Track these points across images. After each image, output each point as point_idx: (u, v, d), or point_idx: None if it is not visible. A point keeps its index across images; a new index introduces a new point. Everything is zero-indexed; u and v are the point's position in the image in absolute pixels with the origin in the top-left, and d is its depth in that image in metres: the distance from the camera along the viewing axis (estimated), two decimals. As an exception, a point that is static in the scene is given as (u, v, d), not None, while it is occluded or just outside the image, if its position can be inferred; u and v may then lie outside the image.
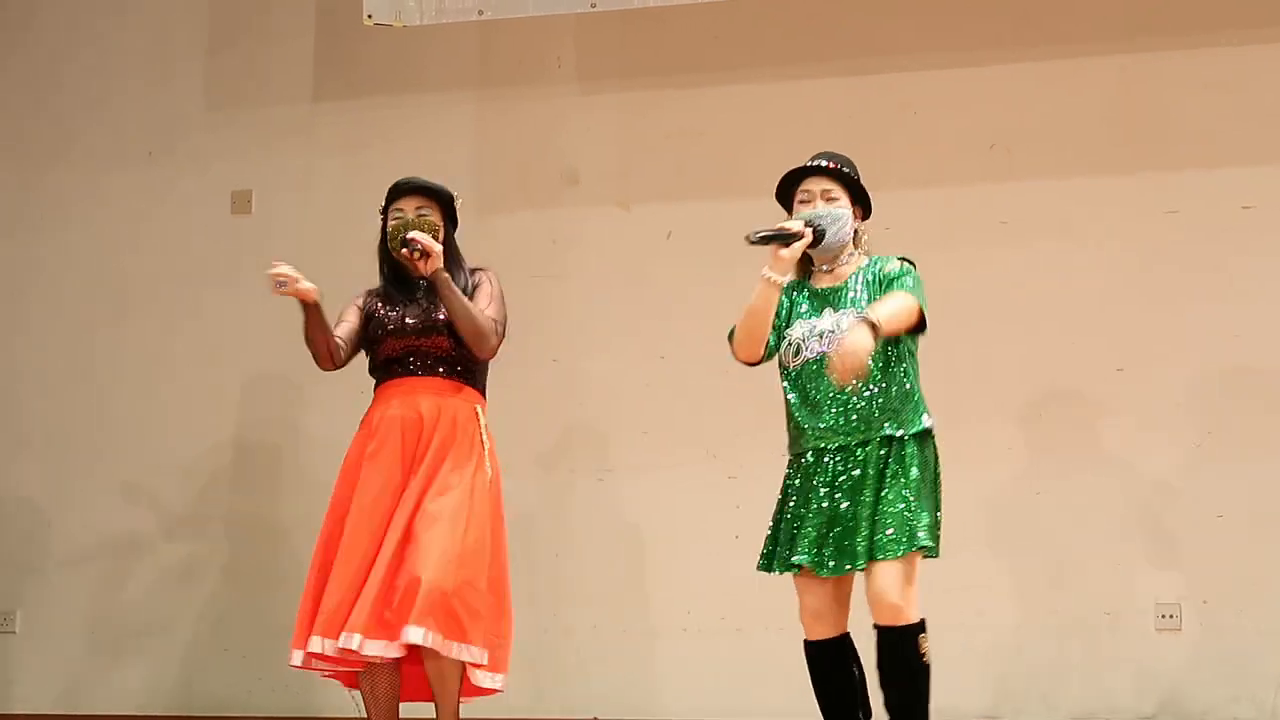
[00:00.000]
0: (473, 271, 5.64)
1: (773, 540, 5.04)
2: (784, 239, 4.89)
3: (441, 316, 5.51)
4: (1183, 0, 6.66)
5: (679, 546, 6.90)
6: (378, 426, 5.50)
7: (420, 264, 5.46)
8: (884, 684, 4.87)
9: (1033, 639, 6.50)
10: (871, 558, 4.80)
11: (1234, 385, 6.50)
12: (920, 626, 4.83)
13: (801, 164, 5.10)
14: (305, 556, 6.92)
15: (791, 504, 4.99)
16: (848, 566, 4.86)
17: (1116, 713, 6.49)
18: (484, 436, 5.55)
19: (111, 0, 7.74)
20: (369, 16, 6.89)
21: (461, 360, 5.56)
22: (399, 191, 5.63)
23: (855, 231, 5.07)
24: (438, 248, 5.46)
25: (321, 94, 7.46)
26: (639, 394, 7.02)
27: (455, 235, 5.67)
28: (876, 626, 4.84)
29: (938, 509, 4.94)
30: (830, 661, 4.97)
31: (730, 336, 5.08)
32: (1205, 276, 6.58)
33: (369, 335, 5.61)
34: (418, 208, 5.59)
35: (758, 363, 5.06)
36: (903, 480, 4.86)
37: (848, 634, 4.98)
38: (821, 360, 4.90)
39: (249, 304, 7.36)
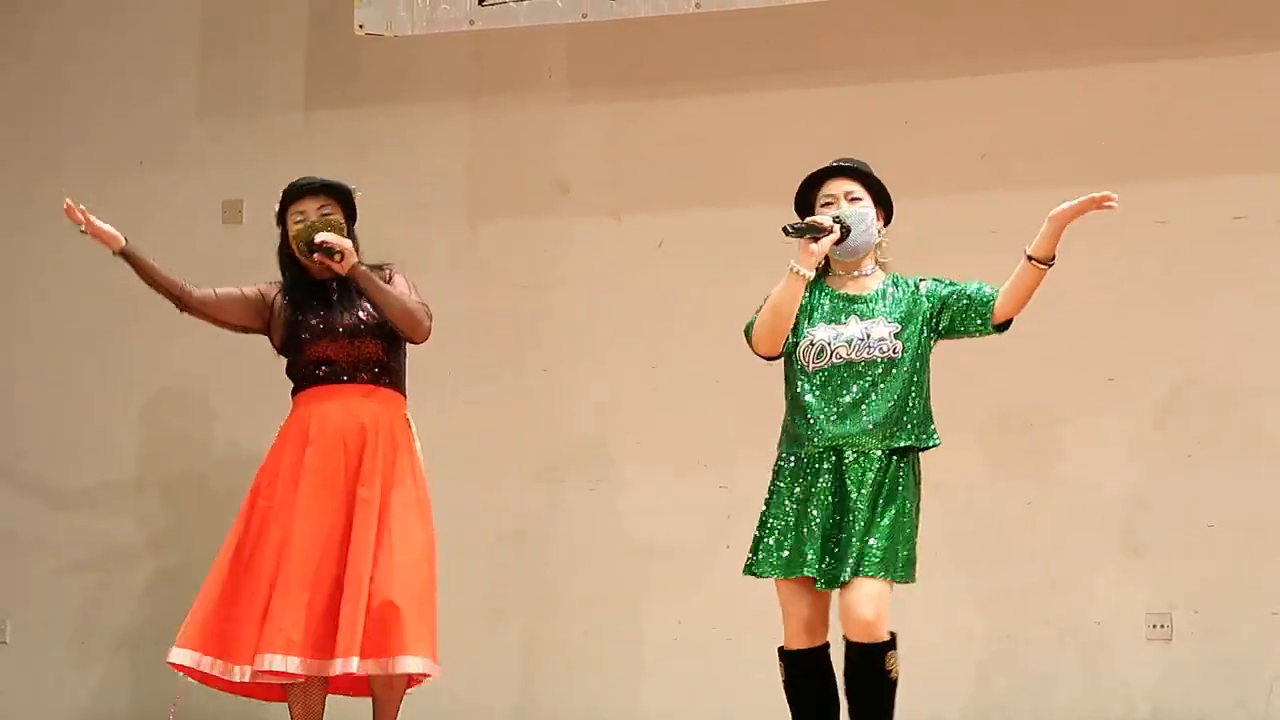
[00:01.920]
0: (378, 267, 5.64)
1: (765, 543, 5.00)
2: (815, 233, 4.93)
3: (365, 318, 5.51)
4: (1174, 11, 6.66)
5: (670, 556, 6.89)
6: (318, 436, 5.50)
7: (335, 265, 5.44)
8: (850, 697, 4.90)
9: (1023, 649, 6.50)
10: (856, 573, 4.82)
11: (1225, 395, 6.50)
12: (890, 644, 4.85)
13: (823, 166, 5.11)
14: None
15: (789, 506, 4.97)
16: (840, 580, 4.86)
17: (1107, 722, 6.51)
18: (416, 442, 5.61)
19: (105, 10, 7.74)
20: (360, 26, 6.89)
21: (389, 364, 5.59)
22: (298, 193, 5.64)
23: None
24: (349, 244, 5.46)
25: (314, 103, 7.46)
26: (630, 403, 7.02)
27: (355, 230, 5.67)
28: (847, 640, 4.86)
29: (916, 535, 4.97)
30: (814, 671, 4.96)
31: (748, 330, 5.09)
32: (1195, 286, 6.58)
33: (289, 338, 5.58)
34: (320, 207, 5.60)
35: (777, 356, 5.06)
36: (898, 501, 4.88)
37: (828, 644, 4.99)
38: (848, 366, 4.94)
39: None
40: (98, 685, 7.36)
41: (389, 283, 5.57)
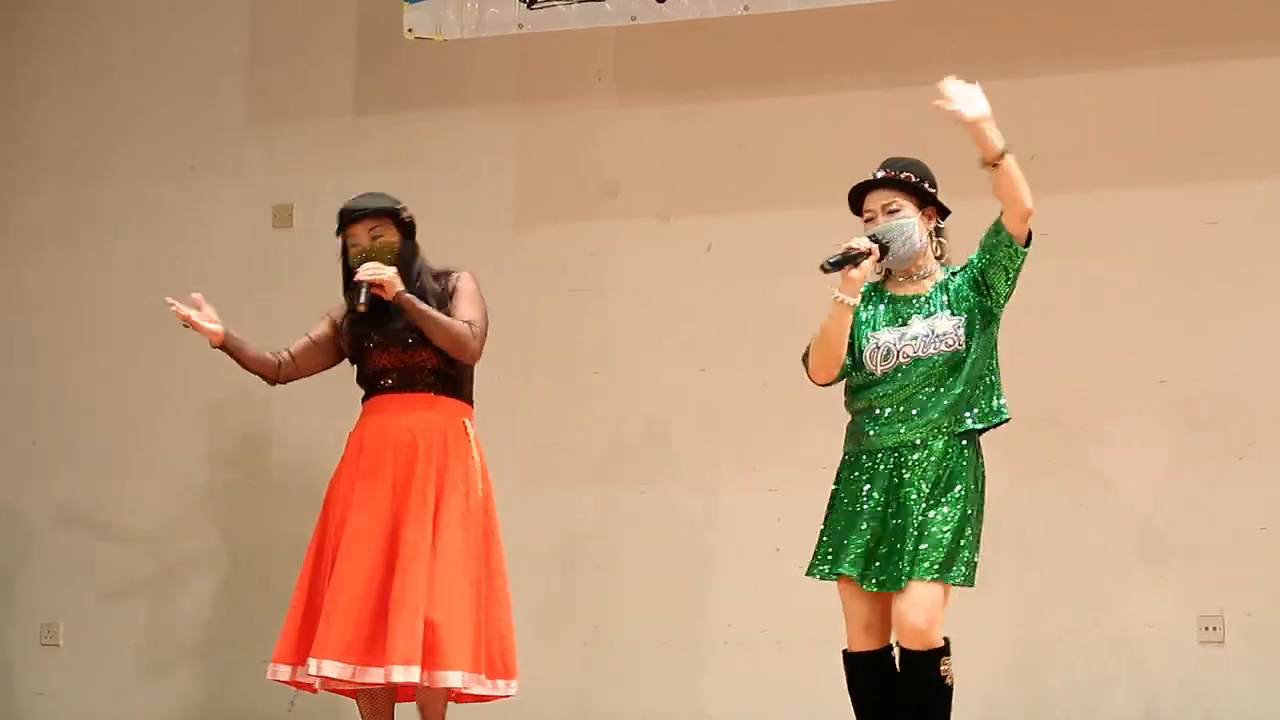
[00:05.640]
0: (445, 274, 5.63)
1: (824, 546, 4.99)
2: (852, 260, 4.88)
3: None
4: (1225, 10, 6.63)
5: (720, 559, 6.90)
6: (369, 446, 5.53)
7: (380, 295, 5.45)
8: (902, 704, 4.87)
9: (1075, 653, 6.47)
10: (910, 576, 4.80)
11: (1276, 397, 6.46)
12: (944, 649, 4.83)
13: (866, 175, 5.07)
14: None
15: (845, 506, 4.95)
16: (890, 588, 4.85)
17: (1159, 726, 6.48)
18: (475, 451, 5.57)
19: (153, 15, 7.78)
20: (410, 30, 6.92)
21: (447, 372, 5.57)
22: (347, 218, 5.62)
23: (934, 234, 5.08)
24: (387, 273, 5.44)
25: (363, 108, 7.49)
26: (679, 407, 7.02)
27: (414, 242, 5.65)
28: (899, 647, 4.85)
29: (979, 526, 4.92)
30: (873, 674, 4.95)
31: (805, 359, 5.06)
32: (1246, 288, 6.55)
33: (352, 349, 5.62)
34: (371, 229, 5.60)
35: (834, 382, 5.05)
36: (958, 497, 4.84)
37: (890, 647, 4.96)
38: (915, 365, 4.91)
39: (291, 317, 7.34)
40: (151, 689, 7.38)
41: (453, 292, 5.56)
